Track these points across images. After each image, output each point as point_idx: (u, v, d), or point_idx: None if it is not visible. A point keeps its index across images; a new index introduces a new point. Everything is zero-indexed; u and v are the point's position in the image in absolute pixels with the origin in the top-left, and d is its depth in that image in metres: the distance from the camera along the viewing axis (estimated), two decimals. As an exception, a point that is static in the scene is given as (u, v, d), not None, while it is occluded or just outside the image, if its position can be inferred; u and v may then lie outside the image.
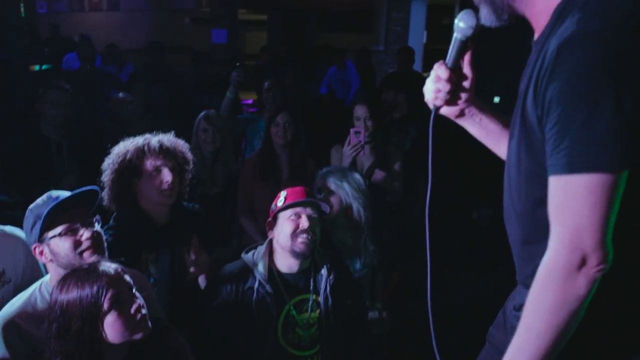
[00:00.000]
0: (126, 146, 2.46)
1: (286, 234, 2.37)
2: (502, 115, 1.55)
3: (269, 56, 7.50)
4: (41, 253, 1.92)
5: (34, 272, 2.22)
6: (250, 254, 2.46)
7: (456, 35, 1.42)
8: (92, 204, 2.04)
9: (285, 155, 3.72)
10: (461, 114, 1.53)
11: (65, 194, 1.97)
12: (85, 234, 1.93)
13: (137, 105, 4.19)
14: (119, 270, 1.74)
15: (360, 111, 3.56)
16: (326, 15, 10.06)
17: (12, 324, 1.83)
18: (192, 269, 2.39)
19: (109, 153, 2.49)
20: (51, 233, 1.90)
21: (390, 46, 9.53)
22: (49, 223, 1.89)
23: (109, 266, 1.73)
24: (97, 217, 2.03)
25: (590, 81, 1.04)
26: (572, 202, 1.09)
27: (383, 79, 7.02)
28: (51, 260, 1.92)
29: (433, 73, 1.49)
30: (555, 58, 1.09)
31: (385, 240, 3.25)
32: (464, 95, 1.50)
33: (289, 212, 2.39)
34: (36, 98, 3.64)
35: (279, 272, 2.43)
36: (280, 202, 2.43)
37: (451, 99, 1.49)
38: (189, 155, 2.57)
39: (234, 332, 2.34)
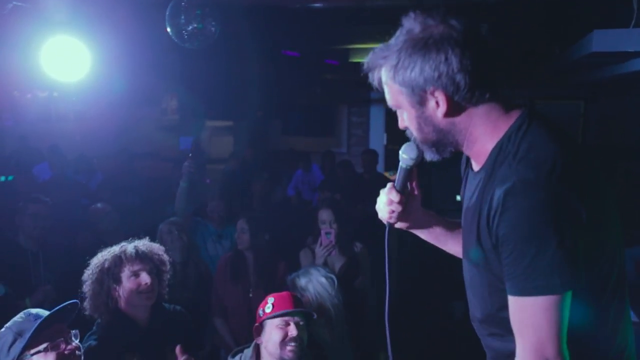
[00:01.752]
0: (104, 256, 2.58)
1: (275, 342, 2.43)
2: (444, 219, 1.79)
3: (237, 162, 7.76)
4: None
5: None
6: (237, 357, 2.52)
7: (401, 165, 1.65)
8: (70, 317, 2.10)
9: (251, 258, 3.87)
10: (412, 226, 1.77)
11: (43, 311, 2.03)
12: (67, 349, 1.98)
13: (115, 215, 4.29)
14: None
15: (325, 215, 3.75)
16: (290, 120, 10.49)
17: None
18: None
19: (84, 263, 2.59)
20: (33, 350, 1.94)
21: (352, 148, 9.96)
22: (31, 341, 1.93)
23: None
24: (76, 331, 2.09)
25: (535, 222, 1.27)
26: (531, 319, 1.31)
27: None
28: None
29: (384, 196, 1.69)
30: (503, 202, 1.31)
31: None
32: (413, 212, 1.73)
33: (277, 320, 2.46)
34: (16, 210, 3.71)
35: None
36: (268, 308, 2.49)
37: (403, 216, 1.71)
38: (165, 257, 2.70)
39: None
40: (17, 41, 3.71)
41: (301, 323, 2.50)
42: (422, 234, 1.78)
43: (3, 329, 2.00)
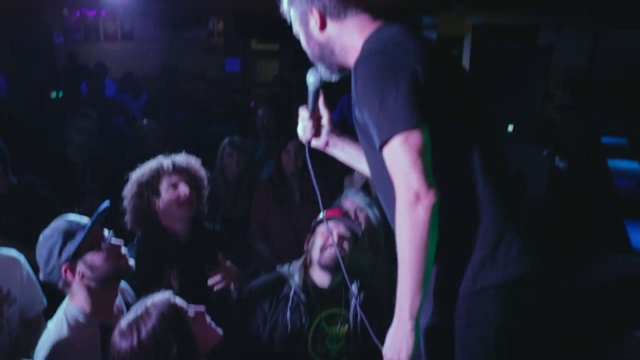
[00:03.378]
0: (142, 170, 2.58)
1: (316, 247, 2.50)
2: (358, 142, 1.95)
3: (282, 86, 7.65)
4: (72, 272, 1.94)
5: (33, 294, 2.27)
6: (285, 266, 2.58)
7: (309, 87, 1.93)
8: (103, 220, 2.07)
9: (296, 182, 3.77)
10: (327, 144, 1.99)
11: (79, 217, 2.02)
12: (115, 245, 2.02)
13: (161, 132, 4.32)
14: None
15: None
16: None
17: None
18: (220, 279, 2.44)
19: (129, 177, 2.60)
20: (84, 249, 1.94)
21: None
22: (80, 241, 1.92)
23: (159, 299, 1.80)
24: (111, 231, 2.08)
25: (374, 80, 1.54)
26: (395, 159, 1.52)
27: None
28: (82, 278, 1.95)
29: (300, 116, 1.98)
30: (354, 76, 1.61)
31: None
32: (324, 129, 1.98)
33: (323, 227, 2.50)
34: (64, 123, 3.76)
35: (313, 284, 2.53)
36: (319, 218, 2.55)
37: (316, 133, 1.98)
38: (203, 172, 2.69)
39: (266, 340, 2.43)
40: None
41: (345, 234, 2.51)
42: (339, 155, 2.01)
43: (46, 234, 1.97)
